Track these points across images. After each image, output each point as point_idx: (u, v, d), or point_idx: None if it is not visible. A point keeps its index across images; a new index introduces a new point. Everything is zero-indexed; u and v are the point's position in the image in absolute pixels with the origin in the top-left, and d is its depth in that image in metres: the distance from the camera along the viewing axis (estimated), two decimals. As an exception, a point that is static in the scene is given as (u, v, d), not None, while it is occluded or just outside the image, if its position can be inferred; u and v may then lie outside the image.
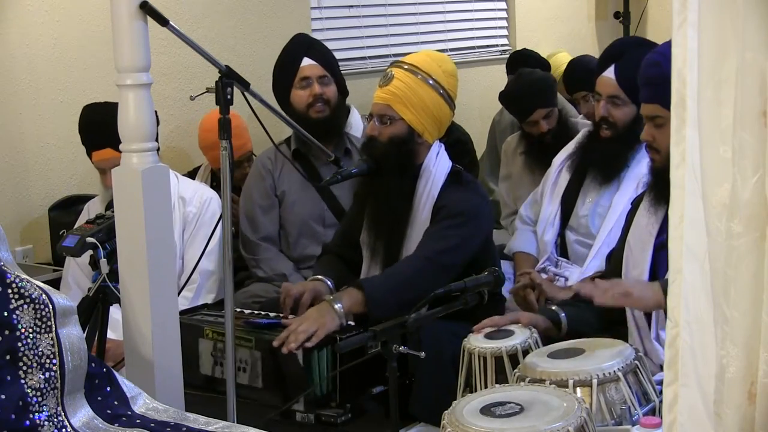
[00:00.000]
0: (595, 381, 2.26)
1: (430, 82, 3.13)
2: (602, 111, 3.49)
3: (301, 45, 3.89)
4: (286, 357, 2.77)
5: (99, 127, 3.39)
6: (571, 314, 2.78)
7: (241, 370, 2.87)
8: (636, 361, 2.34)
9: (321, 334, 2.78)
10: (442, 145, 3.26)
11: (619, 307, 2.46)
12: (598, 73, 3.58)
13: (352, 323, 2.93)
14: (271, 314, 3.08)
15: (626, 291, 2.45)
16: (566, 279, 3.53)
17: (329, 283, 3.12)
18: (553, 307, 2.83)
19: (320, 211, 3.78)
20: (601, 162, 3.58)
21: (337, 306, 2.86)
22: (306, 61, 3.80)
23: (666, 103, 2.49)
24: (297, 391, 2.78)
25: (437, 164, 3.18)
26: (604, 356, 2.36)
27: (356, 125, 4.25)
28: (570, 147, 3.78)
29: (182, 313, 2.93)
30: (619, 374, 2.29)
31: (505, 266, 3.68)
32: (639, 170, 3.48)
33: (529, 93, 4.28)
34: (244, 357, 2.88)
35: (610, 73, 3.47)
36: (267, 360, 2.85)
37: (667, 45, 2.69)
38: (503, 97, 4.51)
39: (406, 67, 3.16)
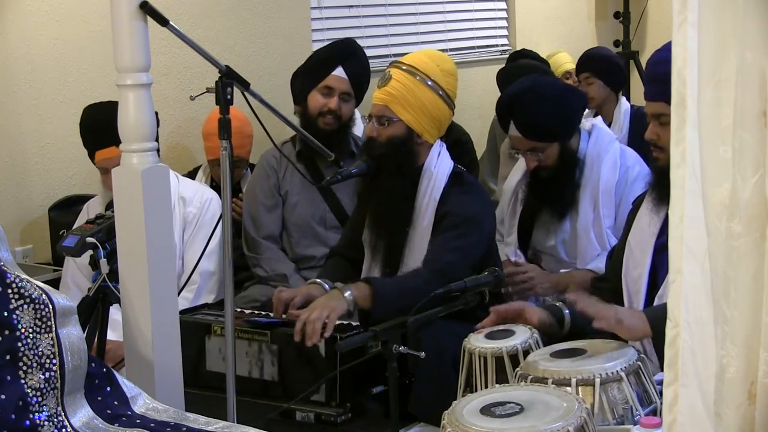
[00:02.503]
0: (597, 380, 2.26)
1: (429, 83, 3.13)
2: (531, 164, 3.48)
3: (343, 52, 3.83)
4: (305, 348, 2.77)
5: (103, 125, 3.37)
6: (575, 312, 2.77)
7: (253, 365, 2.88)
8: (638, 362, 2.34)
9: (333, 317, 2.79)
10: (444, 145, 3.25)
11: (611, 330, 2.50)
12: (504, 129, 3.63)
13: (356, 323, 2.94)
14: (271, 314, 3.08)
15: (619, 318, 2.48)
16: None
17: (326, 286, 3.12)
18: (558, 304, 2.82)
19: (322, 212, 3.79)
20: (550, 202, 3.55)
21: (347, 293, 2.87)
22: (338, 71, 3.76)
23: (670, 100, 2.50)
24: (317, 379, 2.78)
25: (438, 165, 3.18)
26: (607, 356, 2.36)
27: (357, 124, 4.25)
28: (518, 173, 3.72)
29: (182, 312, 2.93)
30: (622, 374, 2.29)
31: None
32: (592, 190, 3.47)
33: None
34: (255, 352, 2.89)
35: (513, 131, 3.48)
36: (284, 353, 2.85)
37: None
38: (500, 77, 4.63)
39: (404, 67, 3.16)
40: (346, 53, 3.83)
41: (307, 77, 3.86)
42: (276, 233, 3.81)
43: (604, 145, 3.53)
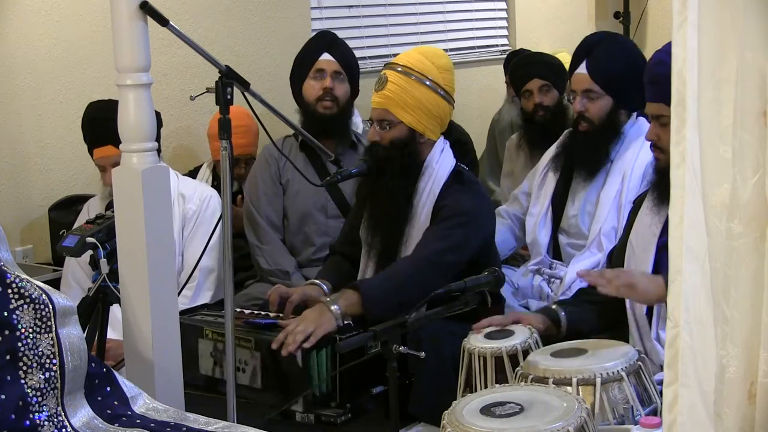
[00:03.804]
0: (598, 380, 2.26)
1: (427, 82, 3.12)
2: (579, 106, 3.56)
3: (324, 40, 3.94)
4: (285, 357, 2.77)
5: (101, 123, 3.39)
6: (570, 313, 2.78)
7: (240, 371, 2.87)
8: (639, 362, 2.35)
9: (319, 334, 2.78)
10: (447, 143, 3.25)
11: (621, 297, 2.50)
12: (571, 72, 3.68)
13: (350, 323, 2.93)
14: (271, 314, 3.08)
15: (631, 282, 2.49)
16: (561, 280, 3.54)
17: (325, 287, 3.12)
18: (553, 306, 2.83)
19: (323, 201, 3.80)
20: (583, 158, 3.62)
21: (334, 308, 2.86)
22: (325, 56, 3.84)
23: (671, 102, 2.51)
24: (296, 392, 2.78)
25: (440, 162, 3.18)
26: (608, 356, 2.36)
27: (356, 122, 4.26)
28: (553, 149, 3.81)
29: (182, 313, 2.93)
30: (623, 374, 2.29)
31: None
32: (623, 164, 3.53)
33: (529, 62, 4.55)
34: (243, 357, 2.88)
35: (582, 69, 3.55)
36: (266, 361, 2.85)
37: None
38: (511, 65, 4.80)
39: (399, 69, 3.14)
40: (327, 40, 3.93)
41: (297, 72, 3.92)
42: (277, 222, 3.81)
43: (643, 131, 3.59)
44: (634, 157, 3.51)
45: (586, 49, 3.60)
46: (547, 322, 2.75)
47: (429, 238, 3.06)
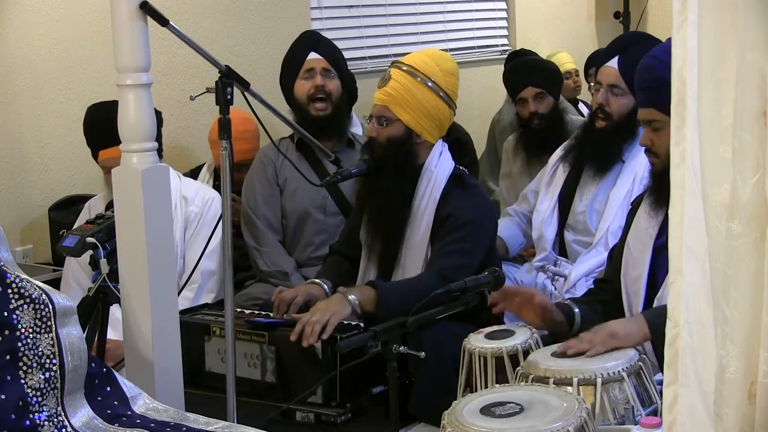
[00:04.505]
0: (599, 380, 2.26)
1: (429, 84, 3.12)
2: (600, 99, 3.57)
3: (310, 40, 3.95)
4: (303, 349, 2.77)
5: (106, 125, 3.35)
6: (583, 311, 2.75)
7: (251, 366, 2.88)
8: (639, 363, 2.35)
9: (334, 321, 2.79)
10: (446, 146, 3.25)
11: (609, 347, 2.46)
12: (600, 64, 3.67)
13: (361, 324, 2.93)
14: (271, 314, 3.08)
15: (611, 332, 2.45)
16: (565, 278, 3.54)
17: (326, 287, 3.13)
18: (567, 302, 2.81)
19: (321, 199, 3.79)
20: (595, 153, 3.63)
21: (351, 297, 2.88)
22: (312, 55, 3.85)
23: (662, 106, 2.51)
24: (314, 381, 2.77)
25: (439, 165, 3.18)
26: (609, 357, 2.36)
27: (353, 122, 4.26)
28: (566, 144, 3.82)
29: (182, 312, 2.93)
30: (624, 374, 2.29)
31: (506, 267, 3.69)
32: (635, 165, 3.53)
33: (524, 69, 4.50)
34: (254, 352, 2.88)
35: (613, 63, 3.56)
36: (282, 354, 2.85)
37: (662, 49, 2.72)
38: (506, 71, 4.76)
39: (404, 68, 3.15)
40: (313, 40, 3.95)
41: (287, 74, 3.92)
42: (275, 224, 3.81)
43: None
44: (646, 159, 3.51)
45: (622, 46, 3.60)
46: (562, 316, 2.72)
47: (443, 253, 3.05)
